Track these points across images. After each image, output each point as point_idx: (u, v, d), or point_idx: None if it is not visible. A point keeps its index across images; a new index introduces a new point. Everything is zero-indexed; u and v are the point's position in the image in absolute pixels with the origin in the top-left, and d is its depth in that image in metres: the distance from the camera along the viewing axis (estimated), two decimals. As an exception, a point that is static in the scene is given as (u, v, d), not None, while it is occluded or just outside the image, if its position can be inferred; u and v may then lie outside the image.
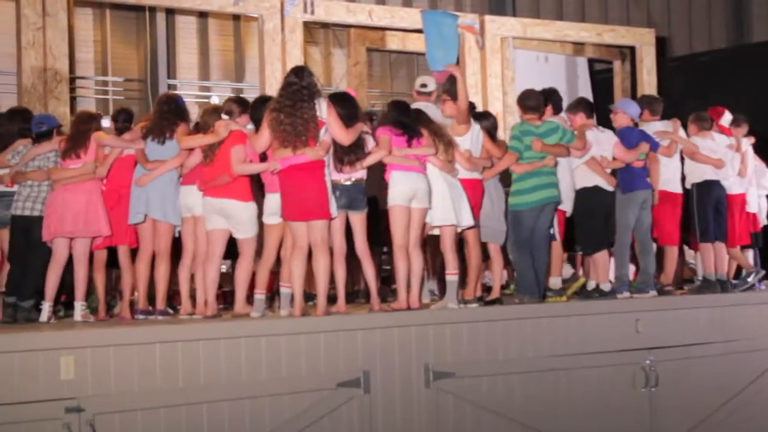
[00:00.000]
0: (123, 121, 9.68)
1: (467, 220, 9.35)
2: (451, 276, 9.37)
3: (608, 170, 10.46)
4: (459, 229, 9.48)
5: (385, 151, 8.95)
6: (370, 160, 8.93)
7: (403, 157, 9.01)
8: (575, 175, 10.41)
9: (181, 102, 9.55)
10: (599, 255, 10.48)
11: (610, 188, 10.41)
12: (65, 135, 9.55)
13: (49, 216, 9.12)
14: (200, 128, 9.37)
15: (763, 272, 12.03)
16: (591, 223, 10.41)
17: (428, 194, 9.09)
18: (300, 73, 8.70)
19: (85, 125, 9.36)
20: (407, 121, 9.23)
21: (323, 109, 8.59)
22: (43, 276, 9.12)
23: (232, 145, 8.97)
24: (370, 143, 9.02)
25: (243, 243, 9.15)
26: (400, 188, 8.99)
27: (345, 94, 9.31)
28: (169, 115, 9.32)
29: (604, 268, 10.50)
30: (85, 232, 9.12)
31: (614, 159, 10.48)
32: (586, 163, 10.34)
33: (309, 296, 9.55)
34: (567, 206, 10.37)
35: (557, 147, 9.88)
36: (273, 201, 8.88)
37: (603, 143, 10.46)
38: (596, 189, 10.37)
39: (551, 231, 10.15)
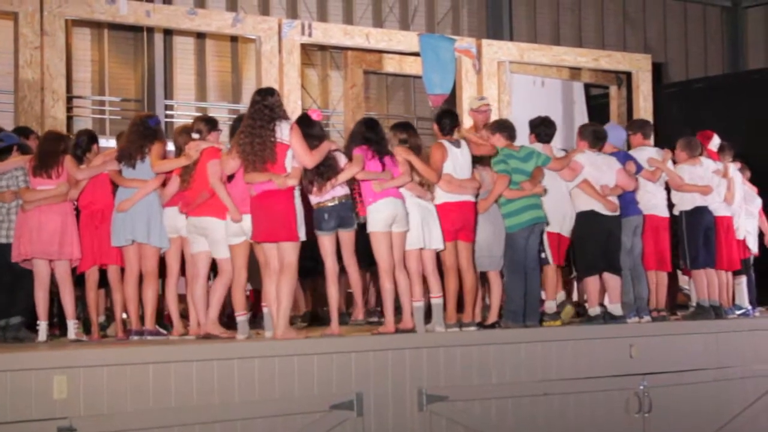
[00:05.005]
0: (87, 143, 9.58)
1: (437, 242, 9.31)
2: (436, 299, 9.32)
3: (613, 198, 10.37)
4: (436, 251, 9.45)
5: (357, 167, 8.92)
6: (342, 178, 8.89)
7: (376, 180, 8.96)
8: (572, 198, 10.40)
9: (153, 122, 9.35)
10: (590, 280, 10.45)
11: (607, 212, 10.34)
12: (31, 154, 9.41)
13: (20, 237, 9.04)
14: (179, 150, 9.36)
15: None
16: (585, 247, 10.40)
17: (406, 217, 9.08)
18: (263, 93, 8.71)
19: (54, 145, 9.27)
20: (374, 137, 9.16)
21: (285, 132, 8.52)
22: (32, 296, 9.09)
23: (207, 161, 8.92)
24: (341, 160, 8.99)
25: (220, 262, 9.06)
26: (380, 215, 8.98)
27: (306, 116, 9.14)
28: (135, 137, 9.20)
29: (593, 293, 10.46)
30: (58, 254, 9.06)
31: (616, 186, 10.44)
32: (579, 186, 10.32)
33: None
34: (565, 230, 10.36)
35: (536, 173, 9.97)
36: (235, 222, 8.85)
37: (600, 166, 10.40)
38: (592, 213, 10.31)
39: (543, 255, 10.15)
